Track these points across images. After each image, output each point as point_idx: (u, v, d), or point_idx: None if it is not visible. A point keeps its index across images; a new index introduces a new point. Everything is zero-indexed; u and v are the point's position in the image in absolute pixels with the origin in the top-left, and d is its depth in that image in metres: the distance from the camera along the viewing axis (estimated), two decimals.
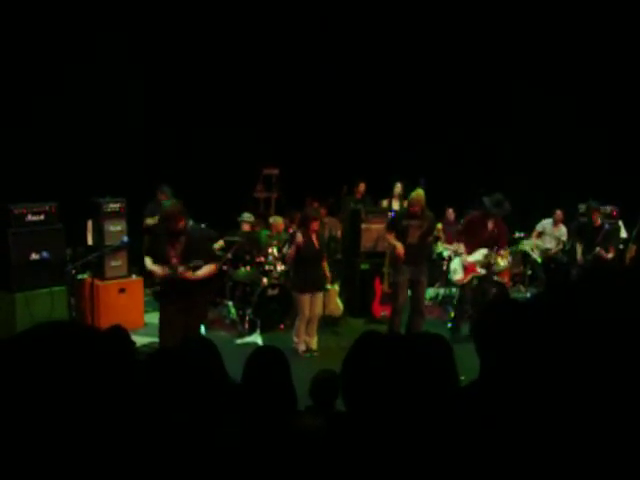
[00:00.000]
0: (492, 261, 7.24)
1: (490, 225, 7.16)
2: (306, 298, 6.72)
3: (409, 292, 7.11)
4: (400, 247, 6.79)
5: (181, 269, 5.14)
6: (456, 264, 7.52)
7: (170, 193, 8.51)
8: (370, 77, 10.73)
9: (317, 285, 6.81)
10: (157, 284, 5.50)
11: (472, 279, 7.47)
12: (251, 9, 9.89)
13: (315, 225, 6.69)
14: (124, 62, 8.89)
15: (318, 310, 6.92)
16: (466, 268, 7.30)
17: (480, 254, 7.21)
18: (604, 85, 9.55)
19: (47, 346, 1.22)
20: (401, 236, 6.87)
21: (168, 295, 5.34)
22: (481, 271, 7.23)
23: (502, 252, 7.18)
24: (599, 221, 8.09)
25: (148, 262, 5.32)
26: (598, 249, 7.87)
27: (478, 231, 7.22)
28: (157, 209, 8.46)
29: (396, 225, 7.00)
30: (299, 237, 6.55)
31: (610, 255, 7.90)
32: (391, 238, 6.99)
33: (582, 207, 9.24)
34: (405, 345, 1.72)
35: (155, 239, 5.42)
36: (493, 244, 7.19)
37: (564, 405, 1.30)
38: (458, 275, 7.40)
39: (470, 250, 7.25)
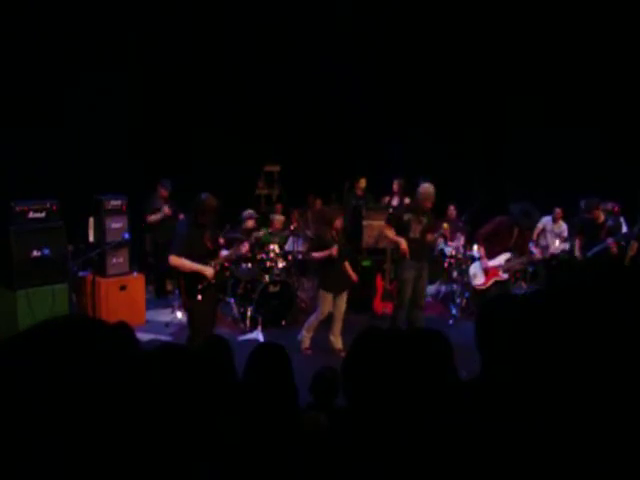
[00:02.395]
0: (516, 266, 7.07)
1: (515, 233, 6.95)
2: (330, 296, 6.70)
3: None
4: (403, 242, 6.77)
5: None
6: (476, 268, 7.23)
7: (171, 187, 8.50)
8: (370, 74, 10.72)
9: (343, 285, 6.77)
10: (198, 282, 5.47)
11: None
12: (251, 7, 9.87)
13: (338, 223, 6.67)
14: (124, 61, 8.88)
15: (343, 308, 6.80)
16: (487, 272, 7.06)
17: (502, 259, 7.01)
18: (603, 84, 9.53)
19: (56, 341, 1.22)
20: (403, 231, 6.82)
21: (211, 286, 5.54)
22: (504, 275, 6.99)
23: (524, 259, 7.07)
24: (602, 217, 7.83)
25: (193, 265, 5.38)
26: (609, 240, 7.54)
27: (503, 238, 6.99)
28: (158, 203, 8.46)
29: (396, 220, 6.94)
30: (334, 249, 6.47)
31: (615, 250, 7.66)
32: (391, 233, 6.93)
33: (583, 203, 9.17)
34: (405, 341, 1.72)
35: (192, 234, 5.47)
36: (512, 252, 7.03)
37: (566, 401, 1.30)
38: (479, 280, 7.14)
39: (490, 255, 7.04)
